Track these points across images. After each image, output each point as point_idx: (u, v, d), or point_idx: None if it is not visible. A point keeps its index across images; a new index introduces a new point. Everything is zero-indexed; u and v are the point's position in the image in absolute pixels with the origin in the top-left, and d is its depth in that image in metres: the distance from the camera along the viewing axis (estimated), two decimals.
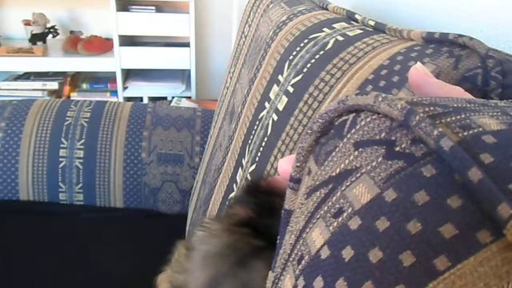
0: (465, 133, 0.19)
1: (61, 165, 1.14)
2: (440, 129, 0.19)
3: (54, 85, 2.02)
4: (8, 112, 1.16)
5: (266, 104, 0.66)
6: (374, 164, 0.21)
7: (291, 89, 0.59)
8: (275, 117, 0.62)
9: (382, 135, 0.21)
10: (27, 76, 2.06)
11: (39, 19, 1.96)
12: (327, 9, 0.69)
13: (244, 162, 0.70)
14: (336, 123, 0.24)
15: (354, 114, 0.23)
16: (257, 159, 0.64)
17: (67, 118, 1.17)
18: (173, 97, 2.17)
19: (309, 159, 0.26)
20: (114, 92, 2.13)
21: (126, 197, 1.18)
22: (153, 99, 2.11)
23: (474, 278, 0.17)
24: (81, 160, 1.15)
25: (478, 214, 0.17)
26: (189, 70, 2.19)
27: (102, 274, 0.94)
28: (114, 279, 0.92)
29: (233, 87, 0.95)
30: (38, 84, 2.00)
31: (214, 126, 1.09)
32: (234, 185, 0.71)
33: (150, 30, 2.03)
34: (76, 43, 2.04)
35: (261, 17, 0.87)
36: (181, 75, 2.30)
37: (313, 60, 0.55)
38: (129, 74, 2.18)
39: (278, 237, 0.27)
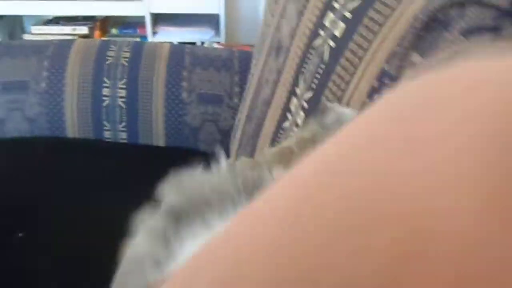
0: None
1: (104, 103, 1.16)
2: None
3: (84, 29, 2.02)
4: (50, 52, 1.17)
5: (321, 31, 0.65)
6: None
7: (348, 15, 0.58)
8: (332, 44, 0.61)
9: (489, 22, 0.22)
10: (56, 20, 2.05)
11: None
12: None
13: (298, 90, 0.70)
14: (441, 17, 0.25)
15: (458, 6, 0.24)
16: (313, 86, 0.64)
17: (107, 58, 1.18)
18: (202, 42, 2.16)
19: (411, 55, 0.26)
20: (144, 38, 2.12)
21: (168, 135, 1.20)
22: (166, 43, 2.08)
23: None
24: (124, 99, 1.16)
25: None
26: (218, 15, 2.16)
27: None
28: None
29: (276, 24, 0.94)
30: (68, 29, 2.00)
31: (255, 64, 1.08)
32: (288, 113, 0.72)
33: None
34: None
35: None
36: (210, 20, 2.27)
37: None
38: (158, 19, 2.16)
39: None
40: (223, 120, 1.22)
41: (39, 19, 2.11)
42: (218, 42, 2.18)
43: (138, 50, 1.21)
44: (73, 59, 1.16)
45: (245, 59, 1.29)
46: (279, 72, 0.83)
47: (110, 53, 1.19)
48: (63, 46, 1.19)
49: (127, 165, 1.09)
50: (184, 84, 1.20)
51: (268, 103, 0.85)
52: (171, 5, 2.04)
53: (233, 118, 1.22)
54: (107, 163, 1.09)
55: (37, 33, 1.97)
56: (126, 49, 1.20)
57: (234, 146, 1.07)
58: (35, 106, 1.14)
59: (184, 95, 1.19)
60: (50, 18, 2.08)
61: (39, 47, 1.18)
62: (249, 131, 0.91)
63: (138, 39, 2.12)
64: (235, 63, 1.26)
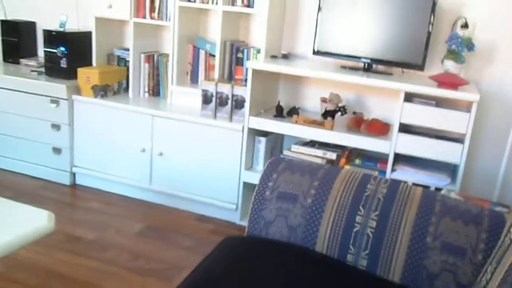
0: None
1: (355, 229, 1.29)
2: None
3: (332, 155, 2.29)
4: (321, 174, 1.39)
5: None
6: None
7: None
8: None
9: None
10: (312, 143, 2.39)
11: (334, 98, 2.29)
12: None
13: None
14: None
15: None
16: None
17: (367, 190, 1.34)
18: (437, 188, 2.20)
19: None
20: (382, 172, 2.28)
21: (404, 274, 1.26)
22: (416, 185, 2.16)
23: None
24: (373, 230, 1.28)
25: None
26: (457, 165, 2.19)
27: None
28: None
29: None
30: (320, 152, 2.30)
31: None
32: None
33: (428, 122, 2.14)
34: (359, 122, 2.28)
35: None
36: (448, 168, 2.31)
37: None
38: (398, 158, 2.31)
39: None
40: (462, 273, 1.22)
41: (299, 139, 2.50)
42: (451, 191, 2.18)
43: (394, 188, 1.34)
44: (338, 184, 1.35)
45: (496, 218, 1.29)
46: None
47: (369, 186, 1.35)
48: (332, 171, 1.40)
49: None
50: (431, 229, 1.26)
51: None
52: (415, 149, 2.18)
53: (474, 275, 1.21)
54: (338, 285, 1.19)
55: (295, 151, 2.32)
56: (383, 185, 1.35)
57: None
58: (297, 217, 1.35)
59: (429, 239, 1.25)
60: (308, 140, 2.44)
61: (313, 169, 1.41)
62: None
63: (376, 173, 2.29)
64: (485, 221, 1.27)
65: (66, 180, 2.85)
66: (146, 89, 2.84)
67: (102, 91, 2.69)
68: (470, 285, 1.21)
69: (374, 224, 1.29)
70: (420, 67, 2.28)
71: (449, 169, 2.33)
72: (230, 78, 2.65)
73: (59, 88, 2.68)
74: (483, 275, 1.14)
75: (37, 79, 2.75)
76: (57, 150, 2.82)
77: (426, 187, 2.18)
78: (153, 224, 2.47)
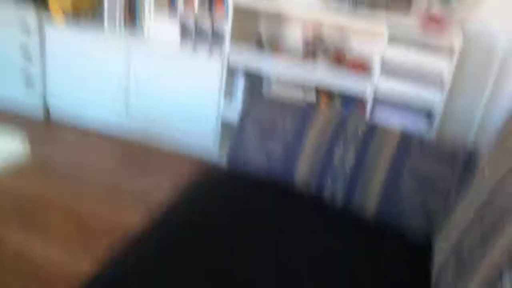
0: None
1: (333, 166, 1.30)
2: None
3: (312, 97, 2.28)
4: (301, 111, 1.38)
5: None
6: None
7: None
8: None
9: None
10: (293, 84, 2.37)
11: (316, 30, 2.24)
12: None
13: None
14: None
15: None
16: None
17: (346, 128, 1.33)
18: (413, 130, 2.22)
19: None
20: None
21: (378, 209, 1.28)
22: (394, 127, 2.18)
23: None
24: (350, 165, 1.29)
25: None
26: (435, 109, 2.21)
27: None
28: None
29: None
30: (300, 93, 2.28)
31: (490, 169, 1.11)
32: None
33: (410, 65, 2.14)
34: (341, 59, 2.26)
35: None
36: (425, 112, 2.33)
37: None
38: (378, 102, 2.31)
39: None
40: (433, 206, 1.25)
41: (277, 80, 2.46)
42: (430, 134, 2.22)
43: (372, 127, 1.34)
44: (318, 121, 1.34)
45: (470, 157, 1.31)
46: None
47: (349, 124, 1.34)
48: (312, 109, 1.38)
49: (341, 239, 1.17)
50: (407, 166, 1.28)
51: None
52: (395, 92, 2.18)
53: (445, 210, 1.25)
54: (310, 220, 1.21)
55: (275, 90, 2.29)
56: (362, 124, 1.35)
57: (445, 242, 1.08)
58: (277, 152, 1.34)
59: (404, 177, 1.27)
60: (288, 81, 2.42)
61: (294, 106, 1.39)
62: (476, 238, 0.92)
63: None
64: (459, 160, 1.30)
65: (40, 114, 2.78)
66: (122, 18, 2.71)
67: (74, 17, 2.55)
68: (439, 214, 1.25)
69: (352, 161, 1.29)
70: (406, 9, 2.23)
71: (427, 113, 2.35)
72: (210, 11, 2.55)
73: (28, 14, 2.53)
74: (453, 210, 1.17)
75: (6, 4, 2.59)
76: (29, 83, 2.72)
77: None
78: (130, 159, 2.45)
